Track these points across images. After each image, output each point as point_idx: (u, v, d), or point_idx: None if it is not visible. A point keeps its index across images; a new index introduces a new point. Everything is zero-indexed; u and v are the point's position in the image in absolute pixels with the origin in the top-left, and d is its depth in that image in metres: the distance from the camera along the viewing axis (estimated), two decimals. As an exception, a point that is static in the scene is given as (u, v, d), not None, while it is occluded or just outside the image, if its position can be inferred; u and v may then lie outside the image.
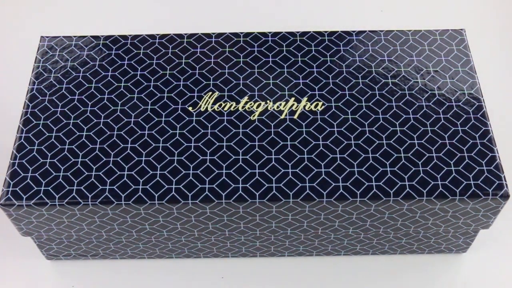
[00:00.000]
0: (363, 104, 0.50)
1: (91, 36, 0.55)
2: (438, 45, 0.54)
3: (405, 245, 0.54)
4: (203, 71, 0.52)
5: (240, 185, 0.46)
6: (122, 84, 0.52)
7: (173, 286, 0.53)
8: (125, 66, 0.53)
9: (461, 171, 0.47)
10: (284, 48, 0.54)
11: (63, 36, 0.55)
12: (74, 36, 0.55)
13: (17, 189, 0.46)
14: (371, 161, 0.47)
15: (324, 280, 0.54)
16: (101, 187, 0.46)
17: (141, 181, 0.46)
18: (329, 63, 0.53)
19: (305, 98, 0.51)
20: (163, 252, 0.54)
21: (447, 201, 0.46)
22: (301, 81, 0.52)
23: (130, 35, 0.55)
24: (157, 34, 0.55)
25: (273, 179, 0.46)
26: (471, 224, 0.49)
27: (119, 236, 0.51)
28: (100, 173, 0.47)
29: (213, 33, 0.55)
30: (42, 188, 0.46)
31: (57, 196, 0.46)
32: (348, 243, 0.53)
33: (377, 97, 0.51)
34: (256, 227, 0.49)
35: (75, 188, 0.46)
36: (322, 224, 0.49)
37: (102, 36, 0.55)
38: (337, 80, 0.52)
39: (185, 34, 0.55)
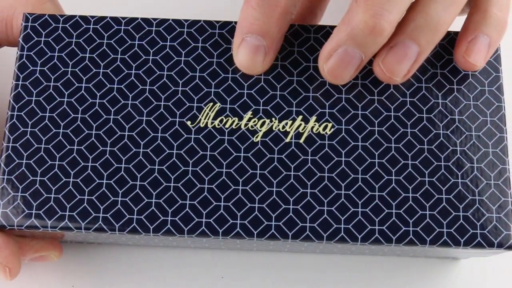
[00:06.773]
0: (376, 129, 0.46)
1: (80, 19, 0.49)
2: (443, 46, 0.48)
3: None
4: (204, 74, 0.48)
5: (238, 222, 0.44)
6: (115, 85, 0.47)
7: (173, 286, 0.54)
8: (119, 64, 0.48)
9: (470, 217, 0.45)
10: (296, 49, 0.48)
11: (48, 15, 0.49)
12: (61, 16, 0.49)
13: (7, 210, 0.45)
14: (376, 200, 0.45)
15: (325, 280, 0.54)
16: (94, 214, 0.44)
17: (136, 210, 0.45)
18: None
19: (314, 118, 0.46)
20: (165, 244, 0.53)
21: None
22: (311, 94, 0.47)
23: (123, 21, 0.49)
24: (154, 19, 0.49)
25: (273, 216, 0.45)
26: None
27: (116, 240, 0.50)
28: (93, 197, 0.45)
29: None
30: (34, 212, 0.44)
31: (49, 222, 0.44)
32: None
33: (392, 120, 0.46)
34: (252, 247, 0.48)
35: (67, 213, 0.44)
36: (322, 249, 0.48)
37: (92, 20, 0.49)
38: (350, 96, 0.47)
39: (186, 20, 0.49)
